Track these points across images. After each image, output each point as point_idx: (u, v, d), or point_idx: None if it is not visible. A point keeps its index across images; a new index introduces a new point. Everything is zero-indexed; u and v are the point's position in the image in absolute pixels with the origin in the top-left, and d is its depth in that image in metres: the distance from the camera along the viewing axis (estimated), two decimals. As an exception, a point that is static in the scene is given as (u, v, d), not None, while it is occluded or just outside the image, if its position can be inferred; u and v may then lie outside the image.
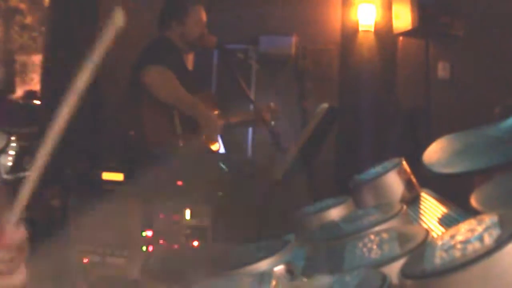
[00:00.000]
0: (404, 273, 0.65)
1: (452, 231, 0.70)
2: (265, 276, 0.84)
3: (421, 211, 1.21)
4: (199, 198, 2.62)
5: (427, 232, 0.84)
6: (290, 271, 0.90)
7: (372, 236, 0.90)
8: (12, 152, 2.88)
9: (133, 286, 2.54)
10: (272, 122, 3.19)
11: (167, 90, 2.91)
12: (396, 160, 1.34)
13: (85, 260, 2.66)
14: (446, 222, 1.08)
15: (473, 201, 0.88)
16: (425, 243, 0.77)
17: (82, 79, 0.90)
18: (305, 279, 0.83)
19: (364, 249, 0.85)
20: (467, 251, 0.60)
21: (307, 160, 2.86)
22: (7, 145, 2.89)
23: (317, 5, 4.88)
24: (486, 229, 0.63)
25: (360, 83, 4.68)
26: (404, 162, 1.33)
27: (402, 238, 0.84)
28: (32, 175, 0.93)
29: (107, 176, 2.76)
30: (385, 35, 4.58)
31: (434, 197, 1.27)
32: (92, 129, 3.50)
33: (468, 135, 1.18)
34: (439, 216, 1.13)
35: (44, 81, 3.84)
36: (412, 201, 1.26)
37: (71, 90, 0.90)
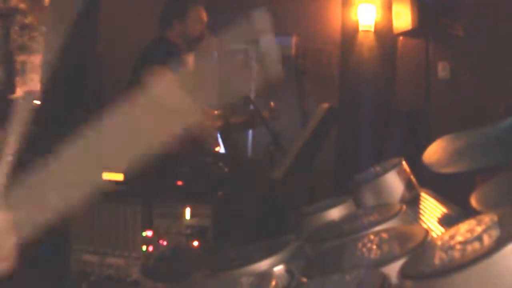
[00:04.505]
0: (404, 273, 0.65)
1: (451, 231, 0.70)
2: (265, 276, 0.84)
3: (421, 211, 1.21)
4: (199, 198, 2.62)
5: (426, 232, 0.84)
6: (290, 271, 0.90)
7: (372, 236, 0.90)
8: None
9: (133, 286, 2.54)
10: (272, 122, 3.20)
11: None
12: (396, 160, 1.34)
13: (85, 260, 2.66)
14: (446, 222, 1.08)
15: (473, 201, 0.88)
16: (425, 243, 0.77)
17: None
18: (305, 279, 0.83)
19: (364, 249, 0.85)
20: (467, 251, 0.60)
21: (307, 160, 2.86)
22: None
23: (317, 5, 4.88)
24: (486, 229, 0.63)
25: (360, 83, 4.68)
26: (404, 162, 1.33)
27: (401, 238, 0.84)
28: None
29: (107, 176, 2.76)
30: (385, 35, 4.58)
31: (433, 197, 1.27)
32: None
33: (468, 135, 1.18)
34: (439, 216, 1.13)
35: (44, 81, 3.83)
36: (412, 201, 1.26)
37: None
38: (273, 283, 0.80)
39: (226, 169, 2.83)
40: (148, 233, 2.61)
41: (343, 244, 0.93)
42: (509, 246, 0.56)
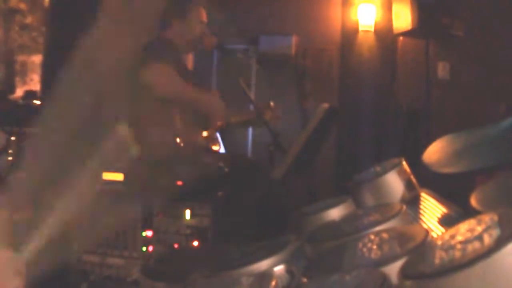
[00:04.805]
0: (404, 273, 0.65)
1: (451, 231, 0.70)
2: (265, 276, 0.84)
3: (421, 211, 1.21)
4: (199, 198, 2.62)
5: (426, 232, 0.84)
6: (290, 271, 0.90)
7: (372, 236, 0.90)
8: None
9: (133, 286, 2.54)
10: (272, 122, 3.20)
11: (168, 86, 2.91)
12: (396, 160, 1.34)
13: (85, 260, 2.66)
14: (446, 222, 1.08)
15: (473, 201, 0.88)
16: (425, 243, 0.77)
17: None
18: (305, 279, 0.83)
19: (364, 249, 0.85)
20: (467, 251, 0.60)
21: (307, 160, 2.86)
22: (7, 145, 2.89)
23: (317, 5, 4.88)
24: (486, 229, 0.63)
25: (360, 83, 4.68)
26: (404, 162, 1.32)
27: (401, 238, 0.83)
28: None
29: (107, 176, 2.75)
30: (385, 35, 4.58)
31: (434, 197, 1.27)
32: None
33: (468, 135, 1.18)
34: (439, 216, 1.13)
35: (44, 81, 3.84)
36: (412, 201, 1.26)
37: None
38: (273, 283, 0.80)
39: (226, 169, 2.82)
40: (148, 233, 2.61)
41: (343, 244, 0.92)
42: (509, 246, 0.56)
